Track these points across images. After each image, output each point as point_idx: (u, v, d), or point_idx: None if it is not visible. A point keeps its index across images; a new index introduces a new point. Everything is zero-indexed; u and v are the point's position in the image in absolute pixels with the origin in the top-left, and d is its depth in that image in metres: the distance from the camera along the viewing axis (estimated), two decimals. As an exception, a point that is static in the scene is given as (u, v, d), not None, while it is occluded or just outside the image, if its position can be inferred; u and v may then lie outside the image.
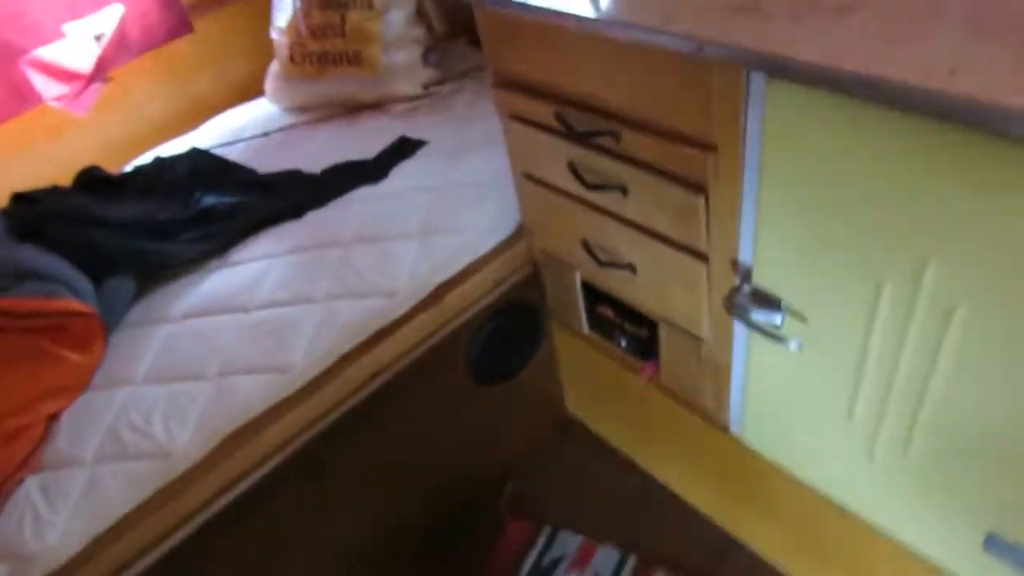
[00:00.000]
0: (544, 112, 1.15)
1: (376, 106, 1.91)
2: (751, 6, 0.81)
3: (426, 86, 1.89)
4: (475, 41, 2.09)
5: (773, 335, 0.99)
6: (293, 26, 1.85)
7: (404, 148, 1.72)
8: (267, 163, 1.78)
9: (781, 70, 0.74)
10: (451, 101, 1.89)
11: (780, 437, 1.17)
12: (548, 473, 1.72)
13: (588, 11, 0.91)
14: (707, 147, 0.93)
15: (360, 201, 1.59)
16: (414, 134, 1.77)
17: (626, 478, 1.66)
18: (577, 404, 1.77)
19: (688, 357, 1.24)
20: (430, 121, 1.83)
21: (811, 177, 0.83)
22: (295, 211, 1.59)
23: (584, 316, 1.44)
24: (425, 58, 1.89)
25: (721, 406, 1.26)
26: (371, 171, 1.67)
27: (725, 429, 1.29)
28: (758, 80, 0.82)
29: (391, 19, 1.80)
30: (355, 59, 1.81)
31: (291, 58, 1.87)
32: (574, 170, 1.16)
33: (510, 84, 1.21)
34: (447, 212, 1.49)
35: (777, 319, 0.98)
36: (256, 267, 1.47)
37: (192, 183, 1.72)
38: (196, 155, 1.84)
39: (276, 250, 1.50)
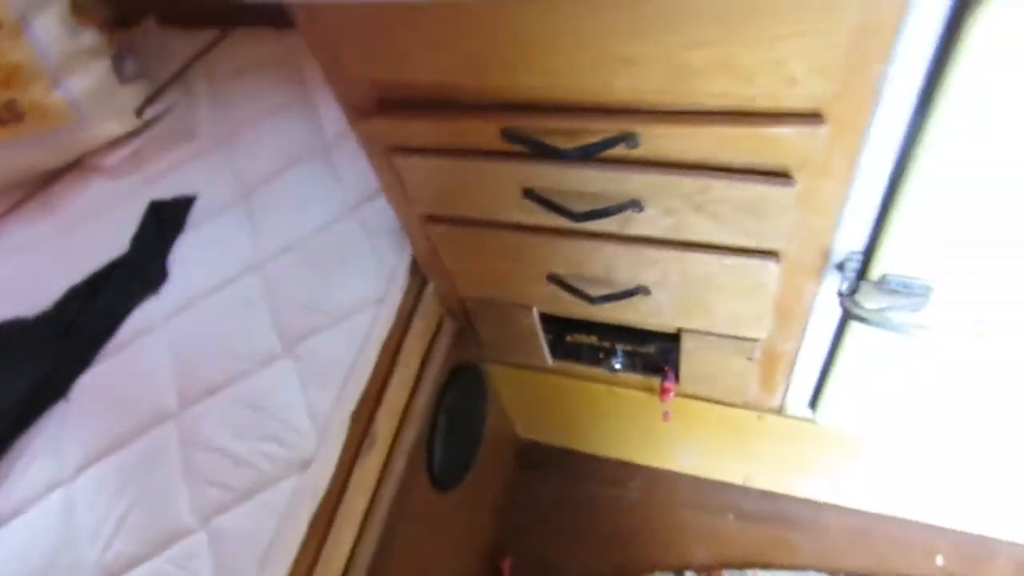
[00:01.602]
0: (478, 132, 0.69)
1: (74, 166, 1.25)
2: None
3: (139, 111, 1.26)
4: (169, 18, 1.44)
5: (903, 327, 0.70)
6: None
7: (165, 220, 1.13)
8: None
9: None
10: (184, 123, 1.28)
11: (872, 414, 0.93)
12: (537, 518, 1.39)
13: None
14: (811, 117, 0.57)
15: (149, 332, 1.02)
16: (164, 192, 1.18)
17: (626, 483, 1.37)
18: (531, 429, 1.42)
19: (727, 359, 0.93)
20: (172, 163, 1.23)
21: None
22: (53, 389, 0.99)
23: (547, 350, 1.06)
24: (118, 69, 1.24)
25: (771, 393, 0.99)
26: (138, 275, 1.08)
27: (777, 411, 1.04)
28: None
29: (40, 31, 1.11)
30: (13, 114, 1.12)
31: None
32: (535, 197, 0.73)
33: (395, 104, 0.72)
34: (303, 296, 0.99)
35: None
36: (44, 515, 0.89)
37: None
38: None
39: (61, 470, 0.92)
